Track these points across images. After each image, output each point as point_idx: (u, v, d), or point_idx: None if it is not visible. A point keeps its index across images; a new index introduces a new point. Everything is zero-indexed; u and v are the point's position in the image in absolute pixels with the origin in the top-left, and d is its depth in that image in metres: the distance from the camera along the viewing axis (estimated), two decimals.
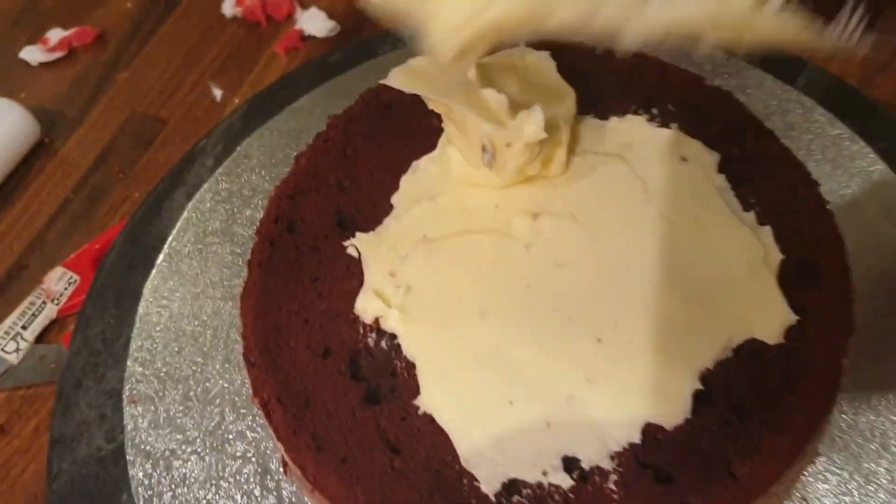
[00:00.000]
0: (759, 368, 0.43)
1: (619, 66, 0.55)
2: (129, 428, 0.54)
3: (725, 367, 0.44)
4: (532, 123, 0.45)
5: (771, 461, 0.41)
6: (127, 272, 0.62)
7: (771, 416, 0.42)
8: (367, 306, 0.48)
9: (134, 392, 0.55)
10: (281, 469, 0.51)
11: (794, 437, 0.41)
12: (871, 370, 0.51)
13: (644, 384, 0.43)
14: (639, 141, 0.52)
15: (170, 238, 0.63)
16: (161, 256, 0.62)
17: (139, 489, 0.51)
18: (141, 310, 0.59)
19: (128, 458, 0.53)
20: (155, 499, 0.51)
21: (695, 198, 0.49)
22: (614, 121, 0.53)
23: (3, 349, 0.65)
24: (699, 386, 0.43)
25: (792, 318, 0.44)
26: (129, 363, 0.57)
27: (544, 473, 0.42)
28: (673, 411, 0.42)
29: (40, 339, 0.67)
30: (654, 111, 0.53)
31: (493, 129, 0.46)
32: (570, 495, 0.41)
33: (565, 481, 0.41)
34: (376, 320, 0.47)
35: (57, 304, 0.68)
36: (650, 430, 0.42)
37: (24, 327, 0.67)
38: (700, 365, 0.43)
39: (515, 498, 0.41)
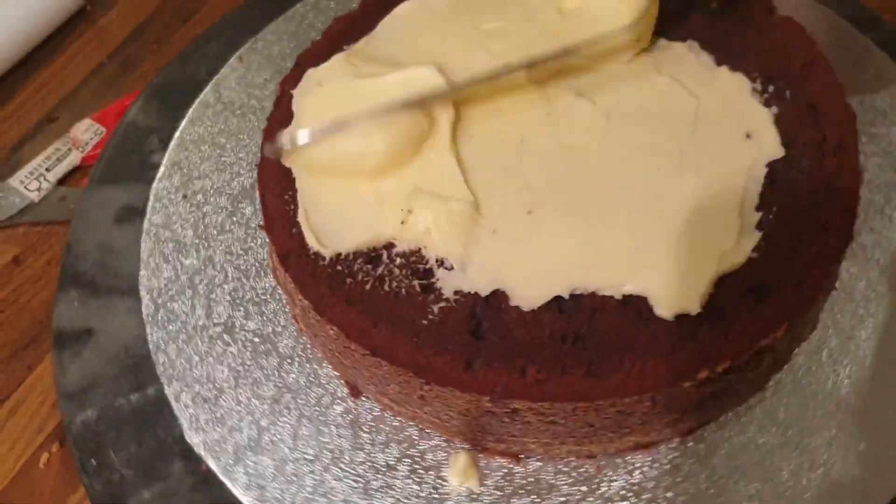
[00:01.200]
0: None
1: None
2: None
3: None
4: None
5: None
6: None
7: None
8: None
9: None
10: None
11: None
12: None
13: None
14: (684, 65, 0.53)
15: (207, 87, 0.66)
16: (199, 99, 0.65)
17: None
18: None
19: None
20: None
21: (726, 109, 0.51)
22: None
23: (25, 187, 0.68)
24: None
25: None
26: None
27: None
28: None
29: (63, 182, 0.69)
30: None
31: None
32: None
33: None
34: None
35: (82, 152, 0.70)
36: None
37: (47, 169, 0.69)
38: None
39: None
